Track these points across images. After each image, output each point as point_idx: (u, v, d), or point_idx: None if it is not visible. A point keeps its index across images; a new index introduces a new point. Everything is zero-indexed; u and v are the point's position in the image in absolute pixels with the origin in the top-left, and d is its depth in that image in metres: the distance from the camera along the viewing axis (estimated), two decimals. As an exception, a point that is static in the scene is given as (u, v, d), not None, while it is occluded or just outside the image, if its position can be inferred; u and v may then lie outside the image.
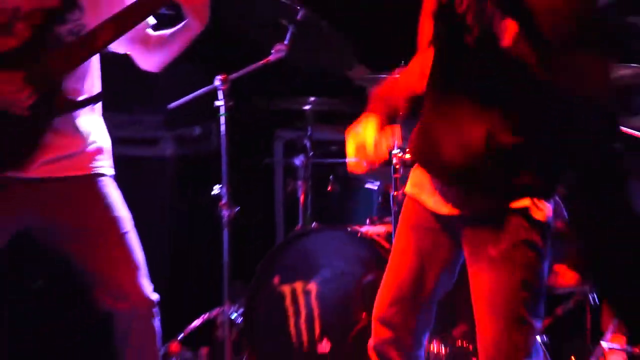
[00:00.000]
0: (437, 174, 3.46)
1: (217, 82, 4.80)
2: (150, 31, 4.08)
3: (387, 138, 3.70)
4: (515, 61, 3.30)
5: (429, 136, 3.54)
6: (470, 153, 3.33)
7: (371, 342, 3.58)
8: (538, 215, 3.20)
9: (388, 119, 3.66)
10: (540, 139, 3.38)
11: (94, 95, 3.98)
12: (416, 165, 3.55)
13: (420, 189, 3.47)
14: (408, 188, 3.53)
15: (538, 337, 4.02)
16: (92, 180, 3.95)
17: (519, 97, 3.34)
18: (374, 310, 3.63)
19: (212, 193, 4.89)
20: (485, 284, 3.30)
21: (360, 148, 3.60)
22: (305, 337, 4.64)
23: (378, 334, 3.57)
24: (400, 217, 3.64)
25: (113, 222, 3.95)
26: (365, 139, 3.62)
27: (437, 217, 3.42)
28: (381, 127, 3.64)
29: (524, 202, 3.21)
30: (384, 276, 3.65)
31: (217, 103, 4.82)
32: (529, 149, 3.30)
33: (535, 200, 3.24)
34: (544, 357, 4.28)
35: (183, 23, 4.02)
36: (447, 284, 3.56)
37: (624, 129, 4.58)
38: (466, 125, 3.35)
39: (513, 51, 3.22)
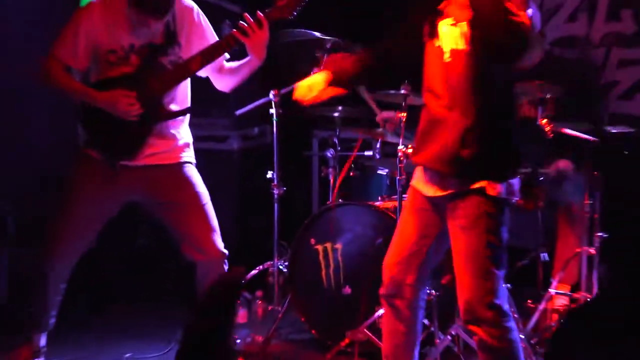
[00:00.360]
0: (427, 165, 3.74)
1: (271, 96, 5.13)
2: (225, 63, 4.41)
3: (326, 90, 3.96)
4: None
5: (421, 140, 3.77)
6: (446, 151, 3.61)
7: (381, 291, 3.86)
8: (492, 192, 3.45)
9: (336, 76, 3.94)
10: (492, 141, 3.62)
11: (185, 109, 4.38)
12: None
13: (420, 181, 3.74)
14: (413, 181, 3.81)
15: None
16: (181, 166, 4.34)
17: (479, 109, 3.59)
18: (384, 268, 3.89)
19: (267, 177, 5.19)
20: (461, 246, 3.56)
21: (303, 88, 3.94)
22: (333, 283, 4.87)
23: (385, 284, 3.84)
24: (405, 201, 3.92)
25: (195, 197, 4.33)
26: (311, 84, 3.93)
27: (431, 201, 3.70)
28: (327, 82, 3.92)
29: (481, 184, 3.48)
30: (391, 243, 3.91)
31: (271, 111, 5.14)
32: (485, 147, 3.56)
33: (490, 181, 3.49)
34: (508, 300, 4.49)
35: (247, 59, 4.34)
36: (439, 254, 3.82)
37: (568, 131, 4.74)
38: (443, 131, 3.64)
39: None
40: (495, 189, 3.47)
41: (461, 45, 3.60)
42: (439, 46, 3.69)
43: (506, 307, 3.59)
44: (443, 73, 3.68)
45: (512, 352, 3.52)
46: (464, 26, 3.59)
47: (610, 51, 5.65)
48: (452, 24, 3.65)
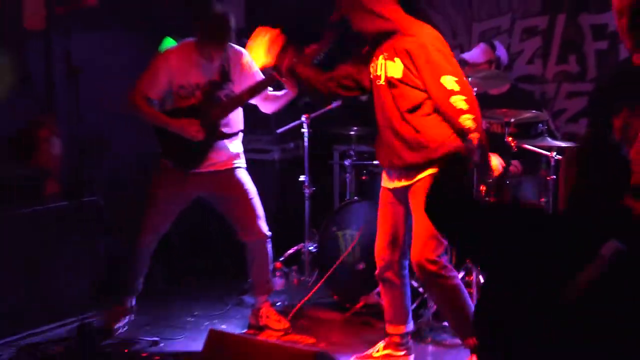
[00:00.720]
0: (388, 165, 3.87)
1: (303, 118, 5.36)
2: (269, 92, 4.50)
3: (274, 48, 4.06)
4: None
5: (380, 146, 3.92)
6: (401, 151, 3.76)
7: (376, 272, 4.02)
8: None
9: (297, 65, 4.01)
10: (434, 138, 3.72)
11: (236, 131, 4.52)
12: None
13: (387, 181, 3.93)
14: (382, 183, 3.98)
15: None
16: (234, 170, 4.52)
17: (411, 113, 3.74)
18: (375, 255, 4.02)
19: (300, 180, 5.43)
20: (420, 216, 3.69)
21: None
22: (350, 260, 4.99)
23: (378, 265, 4.01)
24: (379, 200, 4.02)
25: (245, 192, 4.52)
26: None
27: (396, 193, 3.89)
28: (285, 51, 4.02)
29: (433, 170, 3.69)
30: (377, 235, 4.03)
31: (303, 130, 5.37)
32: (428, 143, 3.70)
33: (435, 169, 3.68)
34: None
35: (284, 91, 4.45)
36: (411, 230, 3.88)
37: (527, 146, 4.74)
38: (393, 135, 3.79)
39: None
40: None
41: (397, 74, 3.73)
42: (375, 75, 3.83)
43: (446, 262, 3.77)
44: (377, 96, 3.84)
45: (455, 292, 3.70)
46: (398, 61, 3.72)
47: (560, 86, 5.65)
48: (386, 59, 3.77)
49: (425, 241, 3.74)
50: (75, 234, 4.85)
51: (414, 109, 3.77)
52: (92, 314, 4.70)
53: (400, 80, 3.73)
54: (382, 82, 3.79)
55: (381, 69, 3.80)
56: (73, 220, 4.86)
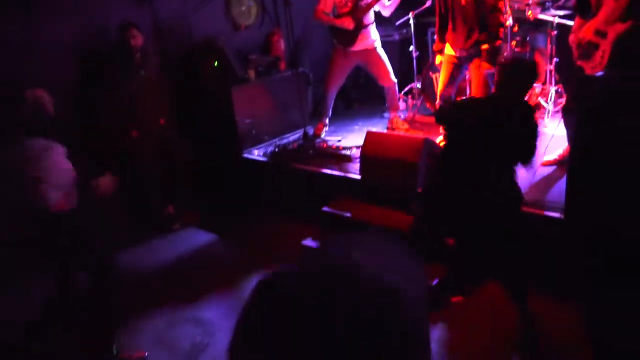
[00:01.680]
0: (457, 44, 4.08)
1: (410, 15, 5.29)
2: (385, 1, 4.76)
3: None
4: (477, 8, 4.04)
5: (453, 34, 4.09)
6: (474, 35, 4.03)
7: (438, 102, 4.22)
8: (492, 50, 3.94)
9: None
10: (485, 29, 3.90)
11: (372, 22, 4.81)
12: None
13: (450, 52, 4.14)
14: (446, 52, 4.15)
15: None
16: (374, 48, 4.89)
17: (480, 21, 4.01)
18: (439, 93, 4.17)
19: (409, 49, 5.37)
20: (476, 74, 4.04)
21: None
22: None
23: (440, 98, 4.23)
24: (444, 61, 4.18)
25: (382, 60, 4.91)
26: None
27: (457, 58, 4.14)
28: None
29: (485, 46, 3.99)
30: (440, 80, 4.16)
31: (411, 21, 5.21)
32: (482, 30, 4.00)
33: (488, 45, 3.95)
34: None
35: None
36: (458, 82, 4.19)
37: (539, 15, 4.59)
38: (463, 29, 4.03)
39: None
40: (496, 45, 3.97)
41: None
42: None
43: None
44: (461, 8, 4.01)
45: None
46: None
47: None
48: None
49: (481, 86, 4.08)
50: (295, 90, 5.34)
51: (483, 10, 3.99)
52: (308, 127, 5.25)
53: None
54: None
55: None
56: (293, 82, 5.37)
